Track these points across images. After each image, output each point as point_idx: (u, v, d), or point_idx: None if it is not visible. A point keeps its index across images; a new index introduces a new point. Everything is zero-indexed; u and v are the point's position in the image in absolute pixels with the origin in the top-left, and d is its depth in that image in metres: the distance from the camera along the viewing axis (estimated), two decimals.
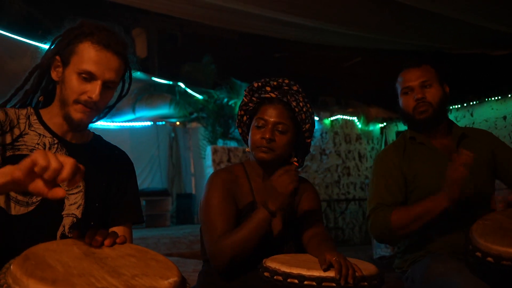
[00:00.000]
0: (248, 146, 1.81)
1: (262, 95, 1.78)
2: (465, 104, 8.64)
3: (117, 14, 8.11)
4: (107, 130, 8.21)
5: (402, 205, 1.98)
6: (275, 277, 1.42)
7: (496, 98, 8.24)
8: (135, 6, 6.99)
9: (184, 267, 4.70)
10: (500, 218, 1.74)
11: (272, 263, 1.46)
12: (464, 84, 7.17)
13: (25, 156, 1.39)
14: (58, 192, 1.04)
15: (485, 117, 8.40)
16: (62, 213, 1.42)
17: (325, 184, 9.33)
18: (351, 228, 9.35)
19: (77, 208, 1.45)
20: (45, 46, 1.52)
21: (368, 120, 9.85)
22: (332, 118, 9.60)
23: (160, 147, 9.40)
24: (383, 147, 9.69)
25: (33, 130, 1.45)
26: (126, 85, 1.56)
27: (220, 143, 8.23)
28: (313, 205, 1.86)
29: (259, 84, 1.81)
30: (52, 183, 1.04)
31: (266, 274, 1.45)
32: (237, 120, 1.88)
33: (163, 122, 9.40)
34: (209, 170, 7.63)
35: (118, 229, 1.49)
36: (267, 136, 1.71)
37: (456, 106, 8.67)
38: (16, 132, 1.42)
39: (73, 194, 1.45)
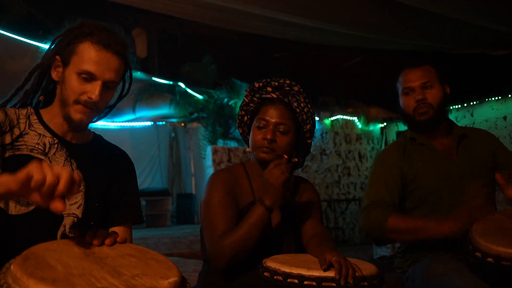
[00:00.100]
0: (248, 146, 1.81)
1: (263, 96, 1.78)
2: (465, 104, 8.63)
3: (117, 14, 8.11)
4: (107, 130, 8.20)
5: (397, 205, 1.98)
6: (275, 277, 1.42)
7: (496, 98, 8.24)
8: (135, 6, 6.99)
9: (184, 267, 4.70)
10: (500, 218, 1.74)
11: (272, 263, 1.46)
12: (464, 84, 7.16)
13: (25, 156, 1.39)
14: (58, 206, 1.05)
15: (485, 117, 8.40)
16: (63, 213, 1.42)
17: (325, 184, 9.33)
18: (351, 228, 9.35)
19: (78, 208, 1.45)
20: (46, 46, 1.51)
21: (368, 120, 9.85)
22: (332, 118, 9.60)
23: (161, 147, 9.39)
24: (383, 147, 9.69)
25: (33, 130, 1.45)
26: (127, 85, 1.56)
27: (220, 143, 8.23)
28: (313, 205, 1.86)
29: (260, 84, 1.81)
30: (50, 195, 1.04)
31: (266, 274, 1.45)
32: (237, 120, 1.89)
33: (163, 122, 9.39)
34: (210, 170, 7.63)
35: (118, 229, 1.49)
36: (269, 136, 1.71)
37: (456, 106, 8.67)
38: (16, 132, 1.42)
39: None
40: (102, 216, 1.51)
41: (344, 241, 9.08)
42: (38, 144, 1.43)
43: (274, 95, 1.76)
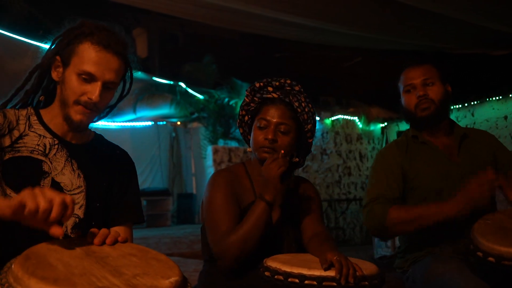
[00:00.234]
0: (249, 146, 1.81)
1: (264, 95, 1.78)
2: (466, 104, 8.64)
3: (118, 14, 8.12)
4: (108, 130, 8.21)
5: (399, 200, 1.98)
6: (276, 276, 1.42)
7: (497, 98, 8.24)
8: (136, 6, 7.00)
9: (185, 266, 4.70)
10: (501, 217, 1.74)
11: (273, 263, 1.46)
12: (465, 84, 7.16)
13: (25, 158, 1.39)
14: (56, 232, 1.09)
15: (486, 117, 8.40)
16: None
17: (326, 184, 9.33)
18: (352, 228, 9.35)
19: (79, 208, 1.45)
20: (46, 46, 1.51)
21: (369, 120, 9.85)
22: (333, 118, 9.60)
23: (161, 147, 9.40)
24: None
25: (33, 131, 1.44)
26: (127, 85, 1.55)
27: (221, 143, 8.23)
28: (314, 205, 1.86)
29: (261, 84, 1.80)
30: (45, 220, 1.07)
31: (267, 273, 1.45)
32: (238, 120, 1.88)
33: (164, 122, 9.40)
34: (210, 170, 7.63)
35: (119, 229, 1.49)
36: (270, 137, 1.71)
37: (457, 106, 8.67)
38: (16, 133, 1.42)
39: (75, 194, 1.45)
40: (103, 215, 1.51)
41: (344, 241, 9.08)
42: (38, 145, 1.43)
43: (275, 95, 1.76)
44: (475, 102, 8.56)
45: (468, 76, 7.84)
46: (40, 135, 1.45)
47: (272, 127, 1.72)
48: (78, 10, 7.25)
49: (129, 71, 1.52)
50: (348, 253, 1.59)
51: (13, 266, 1.00)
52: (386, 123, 9.96)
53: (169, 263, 1.16)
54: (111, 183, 1.54)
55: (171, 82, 8.14)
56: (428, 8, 5.67)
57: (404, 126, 9.10)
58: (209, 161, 7.83)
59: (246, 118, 1.85)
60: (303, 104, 1.76)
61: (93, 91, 1.39)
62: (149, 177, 9.13)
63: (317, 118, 8.90)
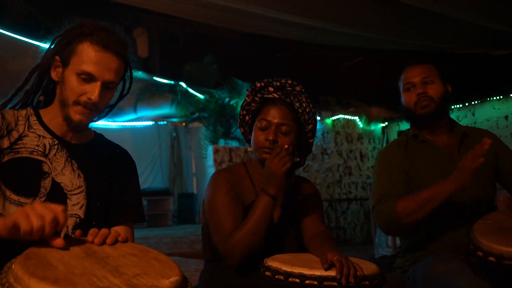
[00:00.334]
0: (250, 146, 1.81)
1: (265, 96, 1.77)
2: (467, 104, 8.64)
3: (119, 14, 8.12)
4: (108, 129, 8.21)
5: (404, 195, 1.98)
6: (276, 276, 1.42)
7: (498, 97, 8.24)
8: (137, 6, 6.99)
9: (185, 266, 4.70)
10: (501, 217, 1.74)
11: (273, 263, 1.46)
12: (466, 84, 7.16)
13: (24, 159, 1.39)
14: (57, 243, 1.11)
15: (487, 116, 8.40)
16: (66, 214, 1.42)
17: (326, 183, 9.33)
18: (352, 227, 9.35)
19: (80, 208, 1.45)
20: (47, 46, 1.51)
21: (369, 119, 9.85)
22: (333, 118, 9.60)
23: (162, 146, 9.40)
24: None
25: (32, 132, 1.44)
26: (127, 85, 1.55)
27: (221, 142, 8.23)
28: (315, 204, 1.86)
29: (262, 84, 1.80)
30: (41, 236, 1.10)
31: (267, 273, 1.45)
32: (239, 120, 1.88)
33: (165, 122, 9.40)
34: (211, 170, 7.63)
35: (120, 229, 1.48)
36: (271, 137, 1.71)
37: (458, 106, 8.67)
38: (15, 135, 1.42)
39: (75, 194, 1.45)
40: (104, 215, 1.51)
41: (345, 240, 9.08)
42: (38, 146, 1.43)
43: (276, 95, 1.75)
44: (476, 102, 8.56)
45: (469, 76, 7.84)
46: (39, 136, 1.44)
47: (273, 128, 1.72)
48: (78, 10, 7.25)
49: (129, 71, 1.52)
50: (348, 253, 1.59)
51: (13, 265, 1.00)
52: (386, 123, 9.96)
53: (170, 263, 1.16)
54: (111, 182, 1.54)
55: (172, 82, 8.14)
56: (428, 8, 5.66)
57: (404, 126, 9.10)
58: (209, 161, 7.84)
59: (247, 118, 1.85)
60: (304, 105, 1.76)
61: (93, 91, 1.39)
62: (150, 177, 9.13)
63: (318, 118, 8.90)
